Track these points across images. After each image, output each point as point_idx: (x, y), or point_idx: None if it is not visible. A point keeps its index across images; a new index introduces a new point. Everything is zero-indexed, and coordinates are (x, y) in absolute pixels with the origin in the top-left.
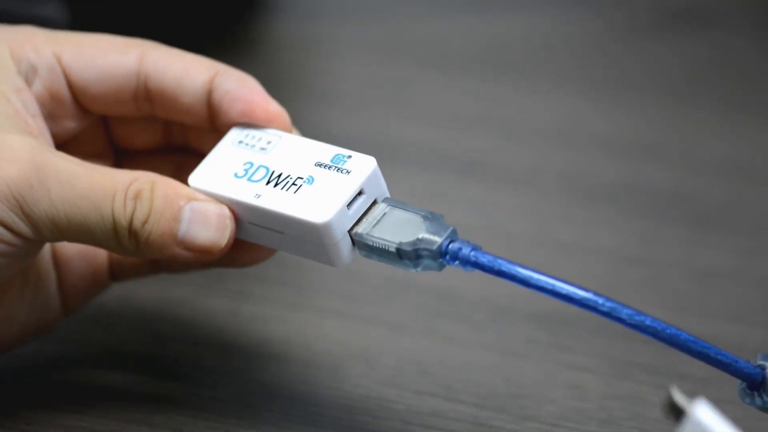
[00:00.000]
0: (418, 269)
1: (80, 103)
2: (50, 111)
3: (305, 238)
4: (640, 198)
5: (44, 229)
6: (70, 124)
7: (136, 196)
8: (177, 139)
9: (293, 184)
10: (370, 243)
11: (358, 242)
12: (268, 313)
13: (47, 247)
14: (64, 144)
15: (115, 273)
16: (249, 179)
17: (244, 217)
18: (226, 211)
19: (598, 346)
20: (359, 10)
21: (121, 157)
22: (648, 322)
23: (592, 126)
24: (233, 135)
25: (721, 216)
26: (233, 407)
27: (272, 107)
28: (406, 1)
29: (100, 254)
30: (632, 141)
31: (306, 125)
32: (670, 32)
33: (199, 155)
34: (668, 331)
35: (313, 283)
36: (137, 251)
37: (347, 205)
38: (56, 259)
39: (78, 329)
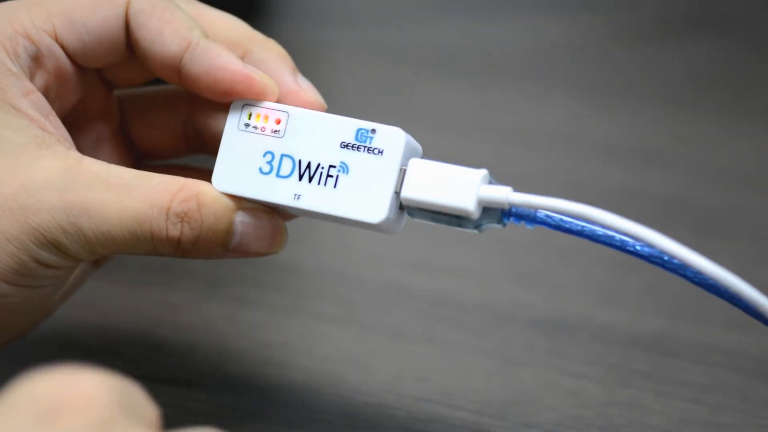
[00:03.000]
0: (480, 230)
1: (78, 66)
2: (57, 93)
3: (359, 226)
4: (641, 204)
5: (84, 257)
6: (74, 96)
7: (183, 218)
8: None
9: (328, 175)
10: (426, 212)
11: (411, 212)
12: (267, 318)
13: None
14: (69, 114)
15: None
16: (278, 175)
17: (286, 210)
18: (281, 223)
19: (597, 353)
20: (360, 15)
21: (128, 111)
22: (711, 282)
23: (593, 132)
24: (236, 117)
25: (722, 223)
26: (232, 413)
27: (256, 83)
28: (407, 6)
29: None
30: (633, 147)
31: None
32: (672, 39)
33: (204, 107)
34: (728, 292)
35: (312, 289)
36: (183, 257)
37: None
38: None
39: (78, 333)
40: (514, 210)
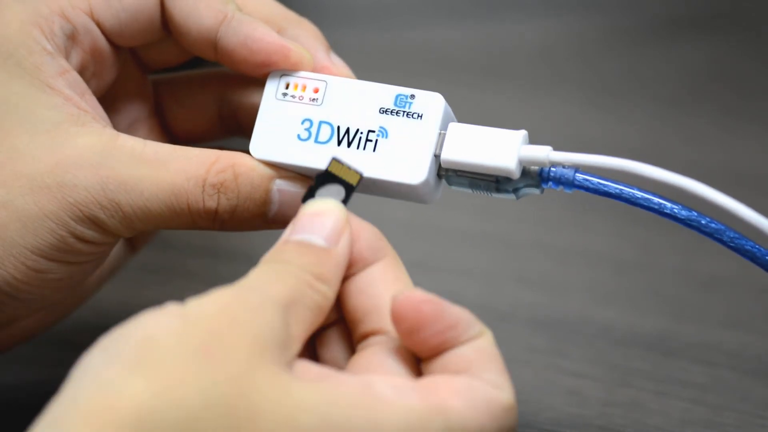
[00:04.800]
0: (518, 196)
1: (114, 45)
2: (93, 72)
3: (396, 191)
4: None
5: (123, 233)
6: (109, 75)
7: (220, 189)
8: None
9: (367, 140)
10: (464, 177)
11: (449, 178)
12: None
13: None
14: (105, 95)
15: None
16: (316, 141)
17: None
18: None
19: (597, 353)
20: (359, 18)
21: (162, 95)
22: (748, 246)
23: (590, 132)
24: (273, 86)
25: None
26: None
27: (292, 53)
28: (407, 6)
29: None
30: (633, 147)
31: None
32: (672, 39)
33: (238, 85)
34: (767, 257)
35: None
36: (223, 230)
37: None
38: None
39: (78, 334)
40: (552, 174)
